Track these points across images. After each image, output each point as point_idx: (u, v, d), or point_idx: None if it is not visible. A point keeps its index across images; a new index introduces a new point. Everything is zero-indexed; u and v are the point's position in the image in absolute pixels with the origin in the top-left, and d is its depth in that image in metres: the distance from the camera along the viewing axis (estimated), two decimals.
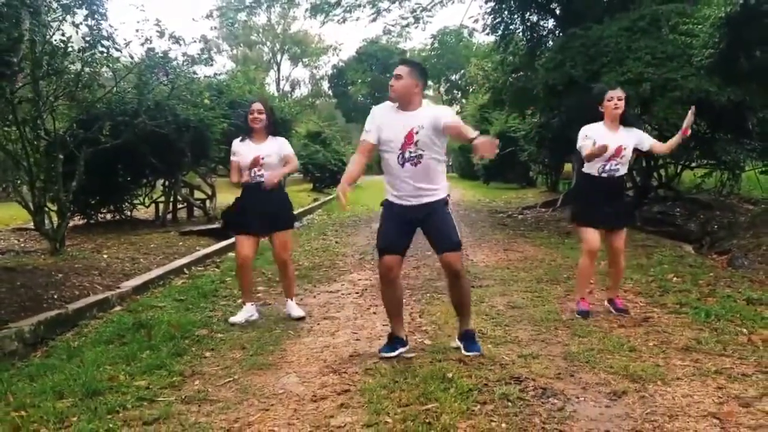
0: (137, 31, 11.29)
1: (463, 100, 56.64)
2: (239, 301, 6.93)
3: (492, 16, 17.42)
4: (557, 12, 16.60)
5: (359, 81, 68.76)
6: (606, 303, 6.61)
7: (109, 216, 15.53)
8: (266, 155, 6.33)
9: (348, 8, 21.36)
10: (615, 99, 6.23)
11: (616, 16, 12.61)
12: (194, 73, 13.54)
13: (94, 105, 11.14)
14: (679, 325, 5.96)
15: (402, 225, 5.08)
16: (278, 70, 76.93)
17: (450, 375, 4.62)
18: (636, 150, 6.47)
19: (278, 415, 4.11)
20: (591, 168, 6.38)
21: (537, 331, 5.86)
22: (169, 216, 16.03)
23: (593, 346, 5.33)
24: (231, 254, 8.37)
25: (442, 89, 68.07)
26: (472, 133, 4.65)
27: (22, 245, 11.64)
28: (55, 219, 10.41)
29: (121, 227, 14.21)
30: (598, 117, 6.38)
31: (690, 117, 6.27)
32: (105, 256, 10.18)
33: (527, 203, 20.85)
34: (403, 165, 4.95)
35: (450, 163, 40.10)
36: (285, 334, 6.06)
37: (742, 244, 11.01)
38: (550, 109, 15.52)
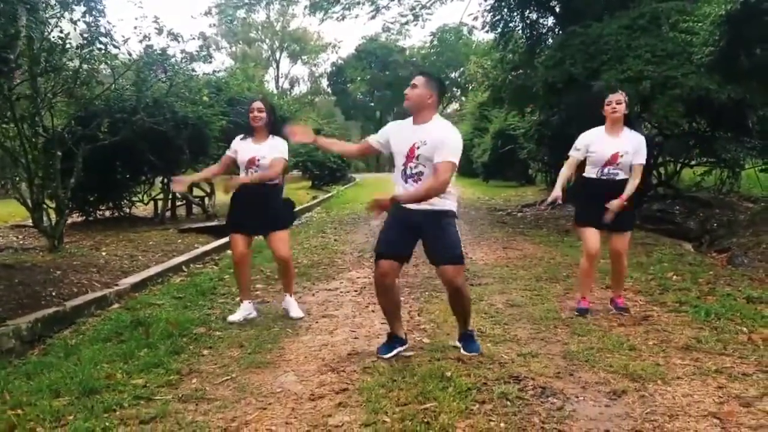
0: (135, 28, 11.26)
1: (463, 98, 56.55)
2: (237, 299, 6.91)
3: (491, 13, 17.38)
4: (557, 10, 16.56)
5: (358, 79, 68.72)
6: (608, 303, 6.59)
7: (107, 213, 15.47)
8: (262, 156, 6.30)
9: (347, 5, 21.32)
10: (613, 103, 6.18)
11: (616, 14, 12.57)
12: (193, 70, 13.51)
13: (93, 102, 11.10)
14: (679, 323, 5.94)
15: (404, 230, 5.00)
16: (277, 67, 76.94)
17: (449, 374, 4.60)
18: None
19: (276, 413, 4.08)
20: (590, 172, 6.37)
21: (536, 330, 5.84)
22: (168, 213, 16.00)
23: (593, 344, 5.32)
24: (230, 252, 8.33)
25: None
26: (416, 193, 4.81)
27: (21, 242, 11.63)
28: (53, 216, 10.39)
29: (119, 224, 14.18)
30: (598, 115, 6.34)
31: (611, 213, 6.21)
32: (103, 253, 10.16)
33: (526, 201, 20.81)
34: (406, 181, 4.93)
35: None
36: (283, 332, 6.03)
37: (741, 243, 10.99)
38: (550, 107, 15.50)
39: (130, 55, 11.75)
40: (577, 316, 6.26)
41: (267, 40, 76.23)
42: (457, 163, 4.81)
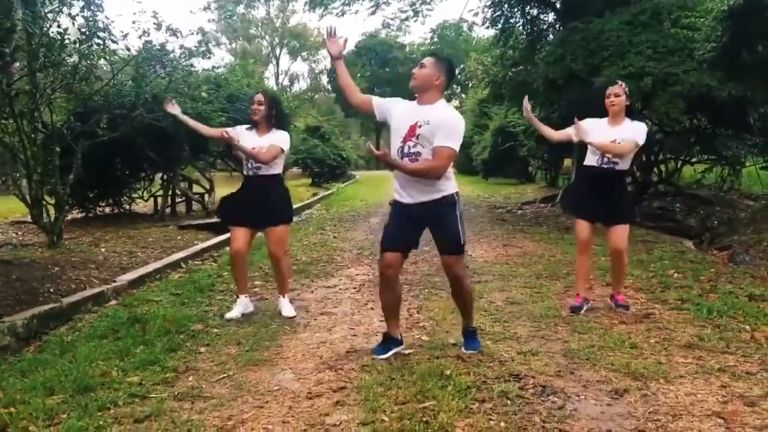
0: (134, 23, 11.16)
1: (463, 95, 56.49)
2: (236, 296, 6.85)
3: (492, 9, 17.29)
4: (557, 5, 16.49)
5: (358, 75, 68.59)
6: (609, 300, 6.53)
7: (107, 209, 15.50)
8: (261, 149, 6.23)
9: (347, 1, 21.26)
10: (612, 96, 6.17)
11: (617, 9, 12.50)
12: (191, 66, 13.43)
13: (92, 98, 11.05)
14: (680, 321, 5.89)
15: (405, 223, 4.95)
16: (277, 64, 76.79)
17: (448, 372, 4.55)
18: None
19: (273, 412, 4.03)
20: (591, 159, 6.32)
21: (536, 328, 5.79)
22: (168, 210, 16.00)
23: (594, 342, 5.27)
24: (229, 248, 8.30)
25: None
26: (413, 166, 4.74)
27: (20, 238, 11.60)
28: (53, 212, 10.36)
29: (119, 221, 14.19)
30: (601, 110, 6.30)
31: None
32: (102, 249, 10.13)
33: (526, 198, 20.79)
34: (401, 159, 4.83)
35: None
36: (281, 329, 5.98)
37: (742, 240, 10.97)
38: (550, 104, 15.40)
39: (128, 50, 11.71)
40: (573, 313, 6.22)
41: (267, 37, 76.10)
42: (458, 151, 4.75)
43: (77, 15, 9.66)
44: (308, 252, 10.61)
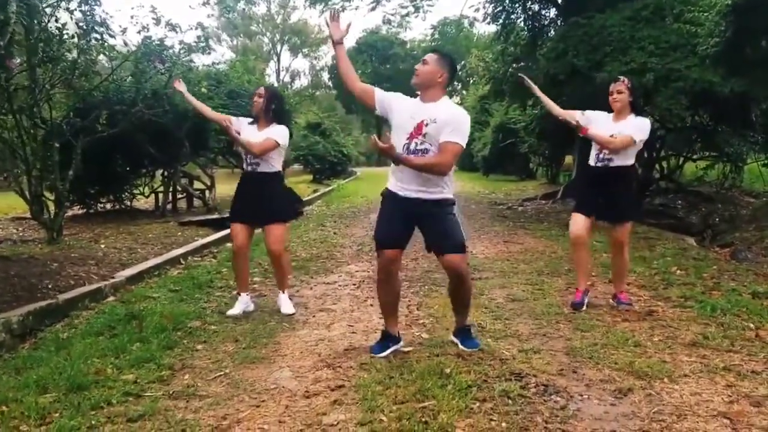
0: (132, 17, 11.14)
1: (464, 92, 56.44)
2: (234, 292, 6.78)
3: (493, 5, 17.25)
4: (559, 1, 16.42)
5: (359, 72, 68.31)
6: (611, 299, 6.45)
7: (108, 206, 15.53)
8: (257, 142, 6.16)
9: None
10: (614, 92, 6.12)
11: (619, 5, 12.44)
12: (191, 61, 13.37)
13: (91, 93, 10.99)
14: (684, 319, 5.81)
15: (402, 218, 4.86)
16: (278, 60, 76.77)
17: (448, 371, 4.46)
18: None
19: (269, 411, 3.95)
20: (590, 157, 6.28)
21: (538, 325, 5.71)
22: (169, 206, 16.00)
23: (596, 340, 5.19)
24: (229, 245, 8.25)
25: None
26: (419, 160, 4.65)
27: (20, 234, 11.62)
28: (53, 208, 10.34)
29: (120, 217, 14.19)
30: (603, 108, 6.24)
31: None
32: (102, 245, 10.10)
33: (527, 195, 20.72)
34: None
35: None
36: (280, 326, 5.90)
37: (745, 237, 10.94)
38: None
39: (126, 45, 11.65)
40: (573, 310, 6.15)
41: (267, 33, 76.05)
42: (464, 147, 4.69)
43: (75, 9, 9.61)
44: (308, 248, 10.54)
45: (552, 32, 16.43)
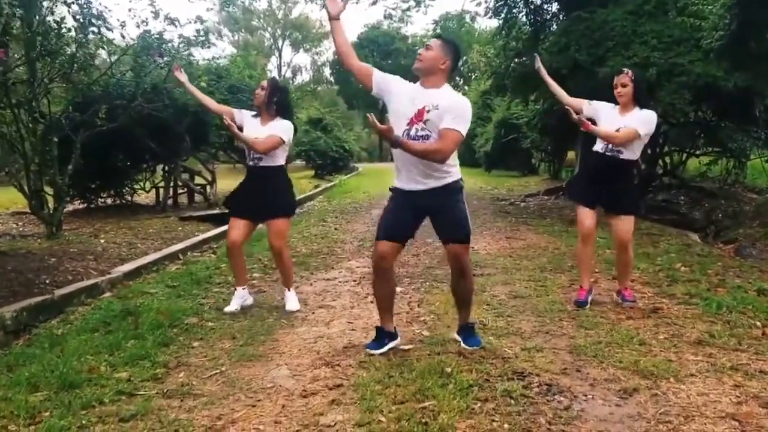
0: (130, 10, 11.03)
1: (465, 87, 56.35)
2: (233, 288, 6.70)
3: None
4: None
5: None
6: (615, 295, 6.35)
7: (109, 201, 15.52)
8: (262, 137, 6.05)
9: None
10: (619, 86, 6.01)
11: None
12: (190, 55, 13.27)
13: (90, 88, 10.91)
14: (689, 317, 5.71)
15: (406, 212, 4.77)
16: (279, 56, 76.78)
17: (449, 369, 4.36)
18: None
19: (265, 411, 3.85)
20: (598, 145, 6.16)
21: (541, 323, 5.61)
22: (170, 201, 15.98)
23: (601, 338, 5.08)
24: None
25: None
26: (419, 145, 4.53)
27: (20, 229, 11.64)
28: (52, 203, 10.31)
29: (121, 212, 14.21)
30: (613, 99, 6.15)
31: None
32: (102, 240, 10.08)
33: (530, 191, 20.64)
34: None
35: None
36: (278, 323, 5.82)
37: (748, 234, 10.88)
38: (554, 95, 15.27)
39: (123, 37, 11.58)
40: (577, 308, 6.04)
41: (269, 28, 76.04)
42: (464, 136, 4.58)
43: (72, 2, 9.54)
44: (308, 244, 10.46)
45: (554, 27, 16.29)
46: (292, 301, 6.38)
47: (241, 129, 6.05)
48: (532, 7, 16.68)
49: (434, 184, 4.67)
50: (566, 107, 6.18)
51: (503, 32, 17.36)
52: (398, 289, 6.81)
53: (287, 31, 75.41)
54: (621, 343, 4.94)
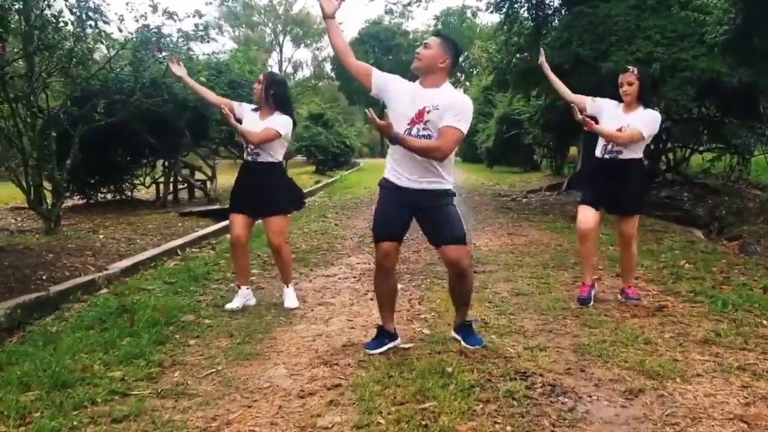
0: (127, 4, 10.94)
1: (467, 83, 56.30)
2: (232, 284, 6.60)
3: None
4: None
5: None
6: (619, 294, 6.26)
7: (109, 196, 15.49)
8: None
9: None
10: (625, 84, 5.89)
11: None
12: (189, 50, 13.19)
13: (89, 82, 10.84)
14: (695, 315, 5.61)
15: (400, 208, 4.66)
16: (280, 51, 76.74)
17: (450, 369, 4.26)
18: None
19: (261, 412, 3.75)
20: (597, 148, 6.07)
21: (544, 321, 5.51)
22: (171, 197, 15.95)
23: (605, 337, 4.98)
24: (228, 236, 8.07)
25: None
26: (418, 142, 4.44)
27: (19, 224, 11.61)
28: (51, 198, 10.27)
29: (120, 207, 14.19)
30: (609, 98, 6.05)
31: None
32: (101, 236, 10.03)
33: (531, 187, 20.56)
34: None
35: None
36: (276, 320, 5.72)
37: (753, 230, 10.78)
38: (556, 91, 15.21)
39: (121, 31, 11.52)
40: (580, 306, 5.95)
41: (270, 24, 76.03)
42: (465, 134, 4.49)
43: None
44: (308, 240, 10.37)
45: (556, 22, 16.21)
46: (290, 298, 6.28)
47: (240, 122, 5.95)
48: (533, 2, 16.57)
49: (428, 187, 4.58)
50: (570, 104, 6.08)
51: (505, 27, 17.27)
52: (399, 286, 6.73)
53: (288, 27, 75.39)
54: (626, 342, 4.84)
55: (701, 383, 4.07)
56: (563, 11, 16.04)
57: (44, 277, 7.01)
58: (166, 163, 15.82)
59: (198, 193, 16.88)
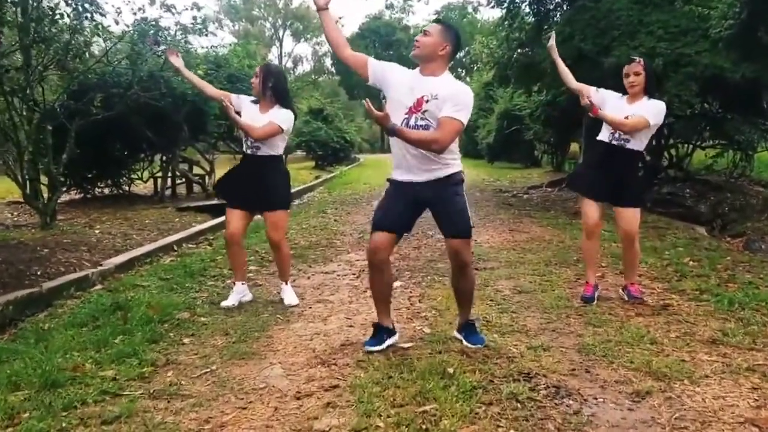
0: None
1: (468, 79, 56.17)
2: (228, 281, 6.48)
3: None
4: None
5: None
6: (621, 291, 6.14)
7: (106, 190, 15.39)
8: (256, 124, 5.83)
9: None
10: (631, 75, 5.76)
11: None
12: (187, 43, 13.08)
13: (86, 75, 10.73)
14: (701, 314, 5.49)
15: (400, 203, 4.56)
16: (280, 46, 76.66)
17: (451, 370, 4.14)
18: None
19: (256, 414, 3.63)
20: (603, 134, 5.94)
21: (547, 320, 5.39)
22: (168, 192, 15.86)
23: (610, 337, 4.86)
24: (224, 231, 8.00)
25: None
26: (415, 134, 4.33)
27: (15, 219, 11.52)
28: (47, 193, 10.20)
29: (118, 202, 14.10)
30: (622, 89, 5.94)
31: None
32: (97, 231, 9.93)
33: (533, 183, 20.43)
34: None
35: None
36: (273, 318, 5.61)
37: (757, 227, 10.68)
38: (558, 86, 15.08)
39: (117, 24, 11.47)
40: (584, 304, 5.83)
41: (270, 18, 75.93)
42: (465, 125, 4.37)
43: None
44: (307, 236, 10.26)
45: (558, 17, 16.10)
46: (290, 296, 6.18)
47: (239, 114, 5.83)
48: None
49: (432, 176, 4.47)
50: (576, 90, 5.98)
51: (506, 23, 17.15)
52: (398, 283, 6.65)
53: (288, 21, 75.30)
54: (631, 342, 4.73)
55: (710, 385, 3.96)
56: (565, 6, 15.92)
57: (38, 273, 6.92)
58: (164, 158, 15.71)
59: (196, 187, 16.79)
